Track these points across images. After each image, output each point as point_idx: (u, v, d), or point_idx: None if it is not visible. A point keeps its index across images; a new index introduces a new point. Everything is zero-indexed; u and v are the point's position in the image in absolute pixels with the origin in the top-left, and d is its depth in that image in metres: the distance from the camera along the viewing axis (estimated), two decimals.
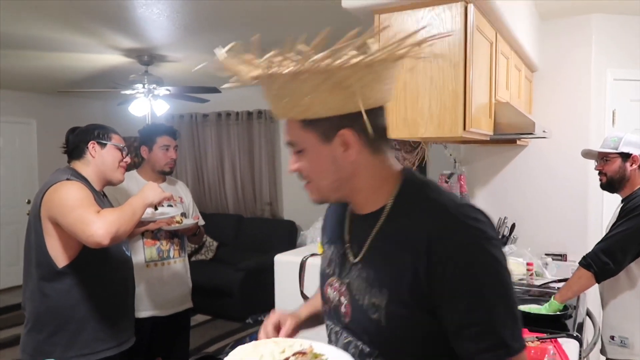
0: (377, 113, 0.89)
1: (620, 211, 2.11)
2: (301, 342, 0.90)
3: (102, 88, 5.21)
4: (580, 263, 1.99)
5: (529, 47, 2.49)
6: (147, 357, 2.46)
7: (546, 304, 1.99)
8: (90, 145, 1.89)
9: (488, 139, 1.99)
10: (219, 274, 5.06)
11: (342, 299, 0.96)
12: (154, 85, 4.35)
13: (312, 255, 1.91)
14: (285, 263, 1.96)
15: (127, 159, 1.98)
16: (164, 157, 2.45)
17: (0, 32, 3.49)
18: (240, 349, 0.89)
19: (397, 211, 0.91)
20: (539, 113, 2.86)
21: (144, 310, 2.35)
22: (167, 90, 4.41)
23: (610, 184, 2.17)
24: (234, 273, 4.92)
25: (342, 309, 0.96)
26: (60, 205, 1.69)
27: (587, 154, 2.28)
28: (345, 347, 0.96)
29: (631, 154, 2.13)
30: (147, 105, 4.44)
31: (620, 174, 2.14)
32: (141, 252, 2.34)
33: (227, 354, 2.58)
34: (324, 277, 1.04)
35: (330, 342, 1.02)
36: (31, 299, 1.80)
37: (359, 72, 0.82)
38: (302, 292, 1.90)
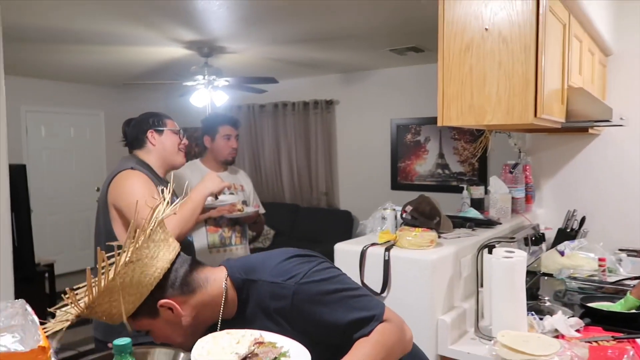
0: (171, 272, 1.07)
1: None
2: (251, 332, 0.98)
3: (164, 80, 5.39)
4: None
5: (604, 30, 2.33)
6: None
7: (621, 300, 1.88)
8: (149, 134, 1.95)
9: (559, 126, 1.89)
10: None
11: None
12: (214, 77, 4.45)
13: (373, 244, 1.89)
14: (345, 252, 1.95)
15: (185, 141, 2.03)
16: (226, 146, 2.50)
17: (71, 29, 3.68)
18: (201, 341, 0.97)
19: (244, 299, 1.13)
20: (614, 99, 2.68)
21: None
22: (226, 81, 4.49)
23: None
24: None
25: None
26: (125, 200, 1.76)
27: None
28: None
29: None
30: (207, 96, 4.55)
31: None
32: (204, 238, 2.41)
33: None
34: None
35: None
36: None
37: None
38: (362, 282, 1.88)
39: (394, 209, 2.10)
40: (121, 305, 1.00)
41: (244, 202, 2.52)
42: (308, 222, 5.66)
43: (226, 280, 1.13)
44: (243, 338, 0.95)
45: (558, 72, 1.79)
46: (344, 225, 5.39)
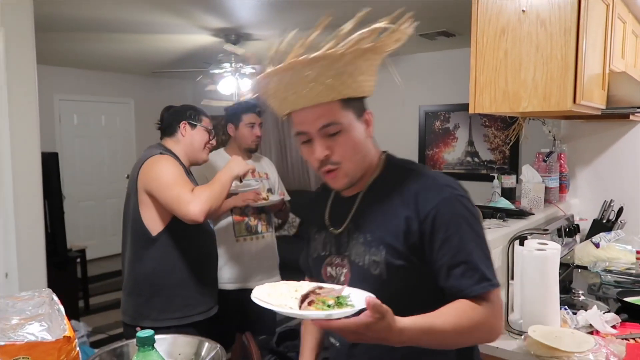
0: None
1: None
2: (308, 283, 0.95)
3: (192, 68, 5.41)
4: None
5: None
6: (237, 328, 2.56)
7: None
8: (182, 124, 1.99)
9: (599, 113, 1.80)
10: (300, 249, 5.13)
11: (343, 269, 1.09)
12: (240, 64, 4.44)
13: None
14: None
15: (214, 142, 2.08)
16: (250, 134, 2.48)
17: (101, 18, 3.72)
18: (259, 288, 0.94)
19: (384, 181, 1.09)
20: None
21: (235, 282, 2.44)
22: (253, 68, 4.48)
23: None
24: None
25: (342, 279, 1.09)
26: (157, 181, 1.80)
27: None
28: None
29: None
30: (234, 83, 4.55)
31: None
32: (231, 228, 2.42)
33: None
34: (320, 261, 1.16)
35: None
36: (129, 265, 1.93)
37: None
38: None
39: None
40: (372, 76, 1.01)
41: (269, 190, 2.51)
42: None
43: (383, 153, 1.15)
44: (301, 287, 0.92)
45: (599, 55, 1.70)
46: None
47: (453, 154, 5.05)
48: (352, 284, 1.02)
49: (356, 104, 1.02)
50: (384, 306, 0.81)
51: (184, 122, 1.99)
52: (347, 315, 0.82)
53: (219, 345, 1.42)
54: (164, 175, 1.79)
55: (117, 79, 6.57)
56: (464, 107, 4.84)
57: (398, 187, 1.05)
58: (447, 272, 0.98)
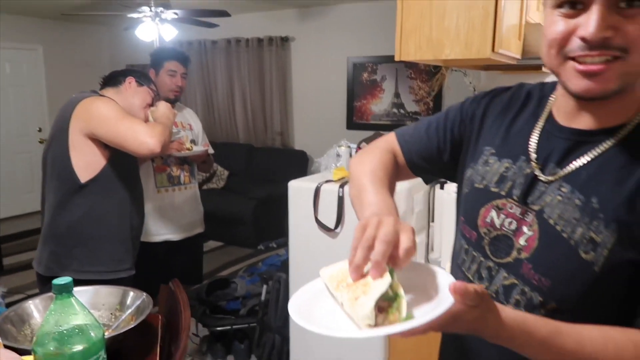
0: None
1: None
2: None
3: (107, 11, 5.01)
4: None
5: None
6: (162, 280, 2.51)
7: None
8: (129, 79, 1.91)
9: (515, 62, 1.88)
10: (231, 202, 5.12)
11: (525, 228, 0.76)
12: (161, 9, 4.17)
13: (327, 181, 1.88)
14: (299, 189, 1.93)
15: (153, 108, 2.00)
16: (170, 83, 2.37)
17: None
18: (293, 302, 0.71)
19: None
20: None
21: (158, 234, 2.38)
22: (175, 13, 4.23)
23: None
24: (245, 202, 4.97)
25: (520, 241, 0.76)
26: (101, 117, 1.71)
27: None
28: (507, 291, 0.77)
29: None
30: (155, 29, 4.28)
31: None
32: (152, 178, 2.33)
33: (241, 278, 2.62)
34: (485, 196, 0.82)
35: (473, 279, 0.83)
36: (51, 213, 1.81)
37: None
38: (316, 218, 1.88)
39: (349, 146, 2.08)
40: None
41: (192, 141, 2.44)
42: (263, 162, 5.60)
43: None
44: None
45: (517, 6, 1.76)
46: (299, 165, 5.38)
47: (380, 105, 5.14)
48: (540, 256, 0.74)
49: None
50: (479, 290, 0.61)
51: (132, 77, 1.91)
52: (434, 318, 0.60)
53: (144, 294, 1.40)
54: (109, 111, 1.71)
55: (22, 23, 5.95)
56: (391, 59, 4.89)
57: None
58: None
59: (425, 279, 0.69)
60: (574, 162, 0.74)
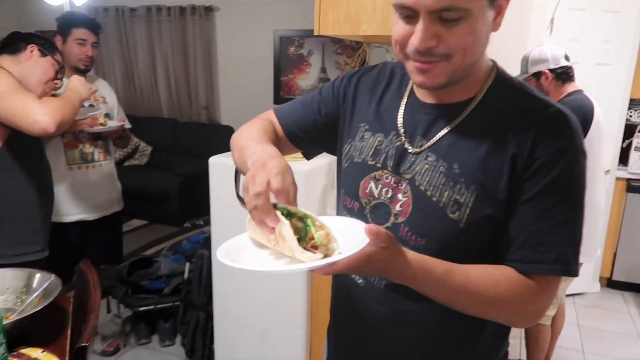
0: None
1: None
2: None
3: None
4: None
5: None
6: (77, 262, 2.41)
7: None
8: (31, 47, 1.73)
9: None
10: (155, 179, 4.96)
11: (400, 195, 0.85)
12: None
13: None
14: (220, 165, 1.90)
15: (58, 84, 1.82)
16: (79, 52, 2.22)
17: None
18: (224, 246, 0.78)
19: (491, 102, 0.82)
20: None
21: (71, 214, 2.26)
22: None
23: None
24: (170, 178, 4.82)
25: (397, 207, 0.85)
26: None
27: None
28: None
29: (541, 72, 2.21)
30: None
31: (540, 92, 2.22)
32: (62, 155, 2.19)
33: (165, 256, 2.55)
34: (363, 169, 0.90)
35: None
36: None
37: None
38: (238, 195, 1.86)
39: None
40: None
41: (107, 115, 2.31)
42: (188, 137, 5.43)
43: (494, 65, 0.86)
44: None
45: None
46: (226, 140, 5.19)
47: (307, 80, 5.12)
48: (415, 219, 0.83)
49: None
50: (389, 232, 0.67)
51: (34, 45, 1.73)
52: (351, 254, 0.65)
53: (53, 275, 1.34)
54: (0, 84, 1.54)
55: None
56: None
57: (512, 115, 0.80)
58: (525, 237, 0.78)
59: (341, 228, 0.73)
60: (436, 134, 0.84)
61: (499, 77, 0.85)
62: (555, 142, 0.77)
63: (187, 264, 2.57)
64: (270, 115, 1.05)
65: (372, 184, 0.89)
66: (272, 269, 0.75)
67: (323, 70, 5.02)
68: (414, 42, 0.73)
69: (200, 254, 2.38)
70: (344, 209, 0.96)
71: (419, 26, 0.72)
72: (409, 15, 0.72)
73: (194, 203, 4.82)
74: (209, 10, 5.32)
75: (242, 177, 1.85)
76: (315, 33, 1.70)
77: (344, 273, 0.68)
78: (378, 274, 0.74)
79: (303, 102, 1.03)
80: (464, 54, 0.74)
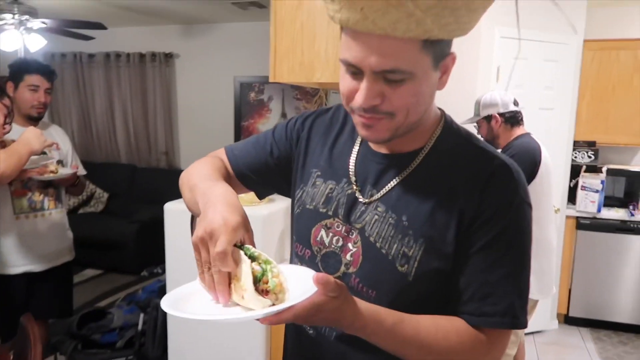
0: None
1: None
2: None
3: None
4: None
5: None
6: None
7: None
8: None
9: None
10: (111, 226, 4.81)
11: (350, 245, 0.85)
12: (27, 17, 3.84)
13: None
14: (175, 211, 1.87)
15: (7, 128, 1.78)
16: (31, 98, 2.18)
17: None
18: (171, 295, 0.76)
19: (440, 152, 0.83)
20: None
21: (17, 266, 2.14)
22: (43, 23, 3.91)
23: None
24: (127, 225, 4.69)
25: (347, 257, 0.85)
26: None
27: (465, 123, 2.42)
28: None
29: (491, 115, 2.34)
30: (19, 39, 3.92)
31: (490, 134, 2.37)
32: (8, 203, 2.10)
33: (119, 307, 2.44)
34: (314, 216, 0.89)
35: None
36: None
37: None
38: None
39: None
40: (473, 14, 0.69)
41: (60, 162, 2.25)
42: (147, 183, 5.34)
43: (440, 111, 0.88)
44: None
45: None
46: None
47: (267, 125, 5.17)
48: (365, 270, 0.83)
49: (440, 47, 0.72)
50: (338, 282, 0.67)
51: None
52: (298, 303, 0.65)
53: None
54: None
55: None
56: None
57: (460, 166, 0.81)
58: (473, 290, 0.78)
59: (295, 277, 0.73)
60: (386, 185, 0.84)
61: (447, 126, 0.86)
62: (500, 195, 0.78)
63: (142, 315, 2.46)
64: (221, 154, 1.02)
65: (323, 232, 0.88)
66: (216, 318, 0.72)
67: (283, 115, 5.09)
68: (358, 99, 0.73)
69: (155, 304, 2.30)
70: (295, 256, 0.95)
71: (364, 84, 0.72)
72: (355, 72, 0.73)
73: (152, 250, 4.68)
74: (169, 57, 5.36)
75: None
76: (271, 80, 1.74)
77: (293, 322, 0.67)
78: (328, 324, 0.72)
79: (255, 143, 1.01)
80: (407, 113, 0.75)
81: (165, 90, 5.40)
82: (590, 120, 3.72)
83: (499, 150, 2.27)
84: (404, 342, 0.75)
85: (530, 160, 2.22)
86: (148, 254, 4.62)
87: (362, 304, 0.72)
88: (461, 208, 0.78)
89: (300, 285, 0.70)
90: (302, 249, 0.91)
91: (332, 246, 0.86)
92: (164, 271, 4.48)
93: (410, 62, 0.70)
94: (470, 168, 0.80)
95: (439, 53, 0.73)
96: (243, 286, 0.67)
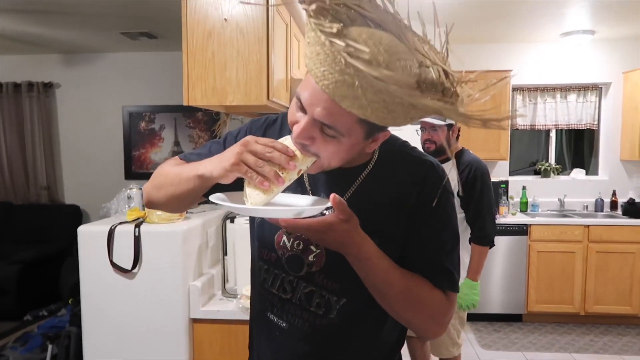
0: None
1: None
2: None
3: None
4: None
5: None
6: None
7: None
8: None
9: (285, 110, 2.24)
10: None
11: (312, 247, 0.95)
12: None
13: (121, 223, 1.88)
14: (90, 233, 1.87)
15: None
16: None
17: None
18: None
19: (384, 164, 0.95)
20: None
21: None
22: None
23: (437, 151, 2.42)
24: (6, 267, 4.30)
25: (310, 258, 0.94)
26: None
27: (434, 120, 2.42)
28: (308, 297, 0.96)
29: (453, 125, 2.43)
30: None
31: (447, 141, 2.43)
32: None
33: (13, 349, 2.33)
34: (276, 225, 0.89)
35: (278, 293, 0.99)
36: None
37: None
38: (111, 262, 1.85)
39: (140, 188, 2.11)
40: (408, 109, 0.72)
41: None
42: (26, 220, 4.94)
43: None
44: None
45: (283, 64, 2.12)
46: (72, 221, 4.92)
47: (160, 154, 5.13)
48: (330, 268, 0.94)
49: (375, 125, 0.78)
50: (349, 210, 0.77)
51: None
52: (317, 212, 0.78)
53: None
54: None
55: None
56: (169, 108, 5.00)
57: (400, 169, 0.95)
58: (426, 261, 0.93)
59: (305, 202, 0.89)
60: (340, 195, 0.91)
61: (388, 142, 0.95)
62: (432, 188, 0.93)
63: (50, 347, 2.35)
64: (175, 160, 1.07)
65: (285, 238, 0.97)
66: (252, 208, 0.81)
67: (177, 143, 5.10)
68: (294, 132, 0.81)
69: (67, 333, 2.22)
70: (259, 260, 1.02)
71: (302, 123, 0.79)
72: (301, 108, 0.80)
73: (36, 293, 4.35)
74: (48, 86, 5.11)
75: (115, 243, 1.85)
76: (185, 104, 1.87)
77: (303, 233, 0.80)
78: (336, 246, 0.81)
79: (209, 151, 1.04)
80: (330, 161, 0.83)
81: (44, 121, 5.11)
82: None
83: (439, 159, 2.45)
84: (394, 281, 0.87)
85: (485, 167, 2.44)
86: (31, 296, 4.28)
87: (368, 238, 0.83)
88: (407, 205, 0.92)
89: (303, 201, 0.90)
90: (268, 253, 1.00)
91: (294, 249, 0.96)
92: (50, 313, 4.19)
93: (345, 128, 0.78)
94: (409, 172, 0.95)
95: (373, 129, 0.81)
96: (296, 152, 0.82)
